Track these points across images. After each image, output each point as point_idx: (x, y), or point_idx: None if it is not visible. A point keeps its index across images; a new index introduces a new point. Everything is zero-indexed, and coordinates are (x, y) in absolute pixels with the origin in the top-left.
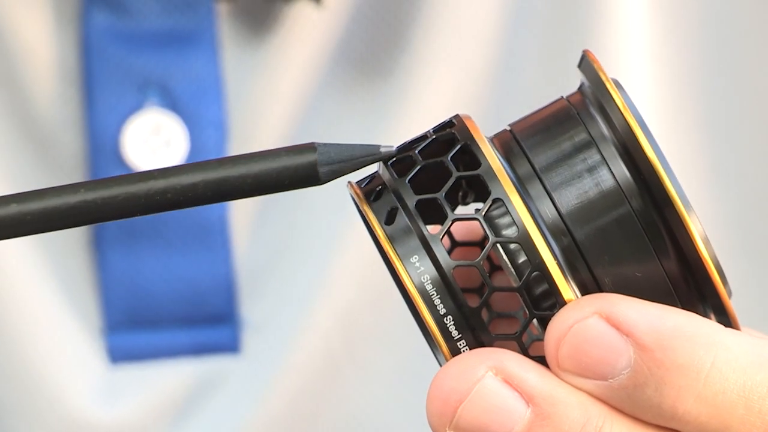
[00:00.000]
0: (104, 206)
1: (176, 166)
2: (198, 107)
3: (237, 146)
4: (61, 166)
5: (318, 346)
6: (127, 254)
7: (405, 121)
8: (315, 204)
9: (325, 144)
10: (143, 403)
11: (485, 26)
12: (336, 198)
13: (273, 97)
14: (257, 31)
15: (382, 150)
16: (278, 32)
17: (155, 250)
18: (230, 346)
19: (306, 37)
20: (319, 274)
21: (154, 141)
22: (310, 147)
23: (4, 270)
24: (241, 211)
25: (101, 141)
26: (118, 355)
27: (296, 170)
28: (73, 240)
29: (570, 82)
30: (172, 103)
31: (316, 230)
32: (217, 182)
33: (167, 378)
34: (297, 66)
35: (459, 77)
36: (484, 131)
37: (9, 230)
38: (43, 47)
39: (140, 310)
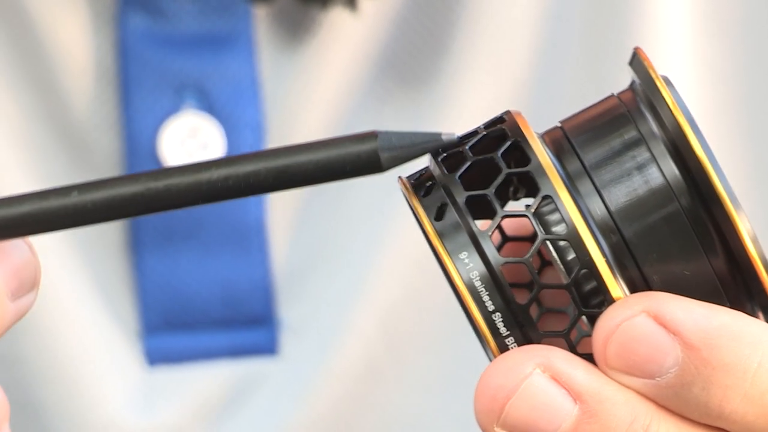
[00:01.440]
0: (167, 194)
1: (238, 155)
2: (235, 110)
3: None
4: (97, 168)
5: (358, 349)
6: (164, 256)
7: (444, 126)
8: (354, 205)
9: (386, 132)
10: (181, 405)
11: (525, 30)
12: (375, 199)
13: (310, 100)
14: (295, 34)
15: (444, 137)
16: (316, 36)
17: (192, 252)
18: (268, 348)
19: (343, 41)
20: (359, 276)
21: (190, 143)
22: (372, 134)
23: (42, 273)
24: (279, 213)
25: (138, 143)
26: (156, 357)
27: (358, 157)
28: (110, 242)
29: (611, 84)
30: (208, 105)
31: (356, 232)
32: (279, 169)
33: (205, 380)
34: (334, 70)
35: (499, 82)
36: (534, 128)
37: (72, 219)
38: (80, 50)
39: (177, 313)
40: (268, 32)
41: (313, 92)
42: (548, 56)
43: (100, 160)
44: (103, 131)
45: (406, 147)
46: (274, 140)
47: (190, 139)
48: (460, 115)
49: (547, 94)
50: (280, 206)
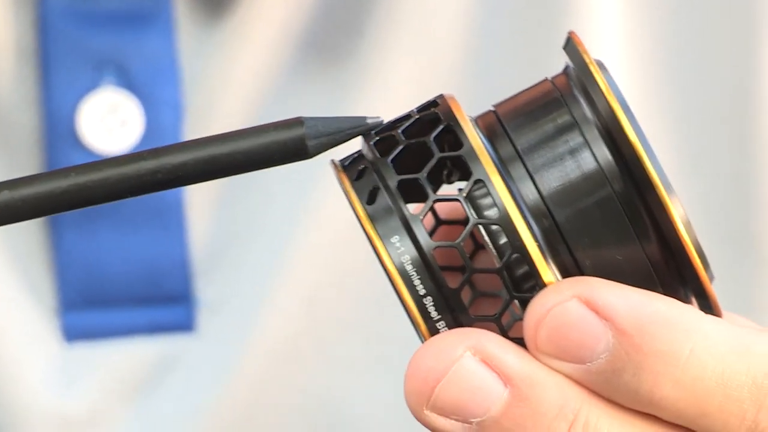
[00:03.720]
0: (96, 189)
1: (166, 146)
2: (154, 87)
3: (193, 127)
4: (16, 146)
5: (277, 327)
6: (84, 233)
7: (366, 103)
8: (275, 184)
9: (312, 118)
10: (99, 382)
11: (450, 10)
12: (296, 179)
13: (230, 77)
14: (215, 11)
15: (369, 121)
16: (236, 12)
17: (111, 229)
18: (186, 325)
19: (265, 17)
20: (279, 255)
21: (110, 120)
22: (298, 121)
23: None
24: (199, 191)
25: (57, 120)
26: (74, 334)
27: (285, 145)
28: None
29: (543, 66)
30: (128, 82)
31: (276, 211)
32: (207, 160)
33: (123, 357)
34: (255, 47)
35: (422, 61)
36: (467, 111)
37: (2, 217)
38: (0, 27)
39: (96, 289)
40: (188, 9)
41: (232, 70)
42: (474, 36)
43: (20, 138)
44: (23, 109)
45: (333, 133)
46: (194, 118)
47: (109, 116)
48: (381, 93)
49: (472, 74)
50: (201, 184)
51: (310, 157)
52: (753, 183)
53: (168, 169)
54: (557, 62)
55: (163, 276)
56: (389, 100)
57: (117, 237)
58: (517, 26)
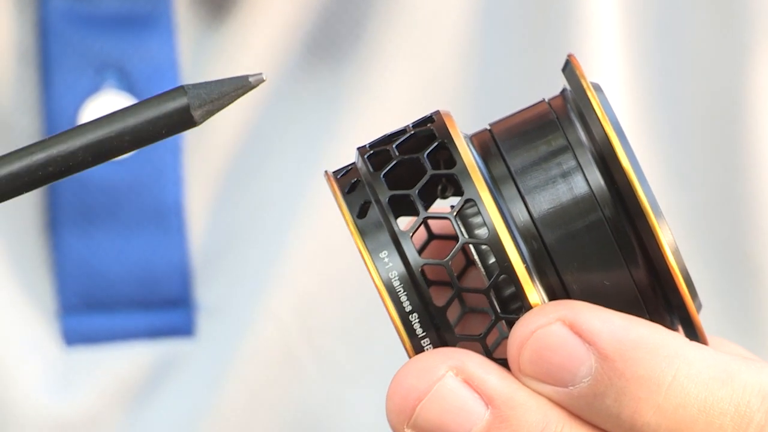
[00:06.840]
0: None
1: (53, 136)
2: (155, 90)
3: (193, 130)
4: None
5: (273, 333)
6: (83, 236)
7: (363, 108)
8: (272, 188)
9: (194, 85)
10: (99, 385)
11: (449, 20)
12: (294, 184)
13: None
14: (215, 14)
15: (251, 80)
16: (236, 16)
17: (111, 232)
18: (185, 329)
19: (265, 20)
20: (276, 260)
21: None
22: (180, 90)
23: None
24: (198, 195)
25: (58, 123)
26: (73, 337)
27: (171, 117)
28: (27, 222)
29: (536, 81)
30: (129, 85)
31: (274, 216)
32: (96, 145)
33: (123, 361)
34: (255, 50)
35: (420, 69)
36: (461, 128)
37: None
38: (1, 30)
39: (95, 293)
40: (188, 12)
41: (232, 72)
42: (478, 45)
43: (22, 141)
44: (24, 112)
45: (217, 99)
46: None
47: None
48: (378, 99)
49: (477, 81)
50: (199, 187)
51: (197, 125)
52: (746, 203)
53: (59, 160)
54: (557, 76)
55: (162, 280)
56: (389, 102)
57: (116, 240)
58: (518, 36)
